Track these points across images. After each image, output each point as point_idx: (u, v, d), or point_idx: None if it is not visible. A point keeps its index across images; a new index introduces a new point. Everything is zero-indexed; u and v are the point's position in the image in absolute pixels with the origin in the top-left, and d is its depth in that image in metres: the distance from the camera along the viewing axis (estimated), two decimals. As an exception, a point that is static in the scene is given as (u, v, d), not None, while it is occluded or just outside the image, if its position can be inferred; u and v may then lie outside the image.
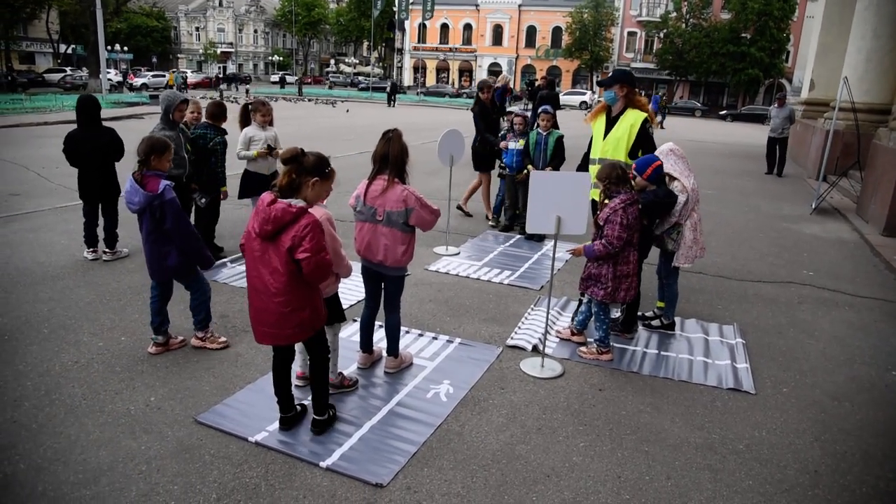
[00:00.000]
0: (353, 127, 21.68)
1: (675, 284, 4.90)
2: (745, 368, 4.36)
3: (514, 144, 7.50)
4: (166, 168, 4.11)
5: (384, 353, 4.16)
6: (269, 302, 3.06)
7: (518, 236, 7.63)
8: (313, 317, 3.17)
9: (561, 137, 7.20)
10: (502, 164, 7.87)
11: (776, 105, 14.83)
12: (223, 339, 4.47)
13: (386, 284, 3.93)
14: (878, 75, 12.48)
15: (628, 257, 4.22)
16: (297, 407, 3.48)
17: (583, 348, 4.56)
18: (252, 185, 6.51)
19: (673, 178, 4.54)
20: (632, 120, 4.75)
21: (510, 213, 7.96)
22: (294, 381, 3.81)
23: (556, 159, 7.15)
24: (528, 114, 8.86)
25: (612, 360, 4.43)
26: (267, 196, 3.00)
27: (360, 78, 63.09)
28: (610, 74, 4.98)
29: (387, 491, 2.94)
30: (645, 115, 4.80)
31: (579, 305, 4.88)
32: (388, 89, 40.86)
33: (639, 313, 4.98)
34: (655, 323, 4.99)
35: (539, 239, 7.43)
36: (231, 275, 5.73)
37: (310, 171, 3.06)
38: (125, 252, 6.24)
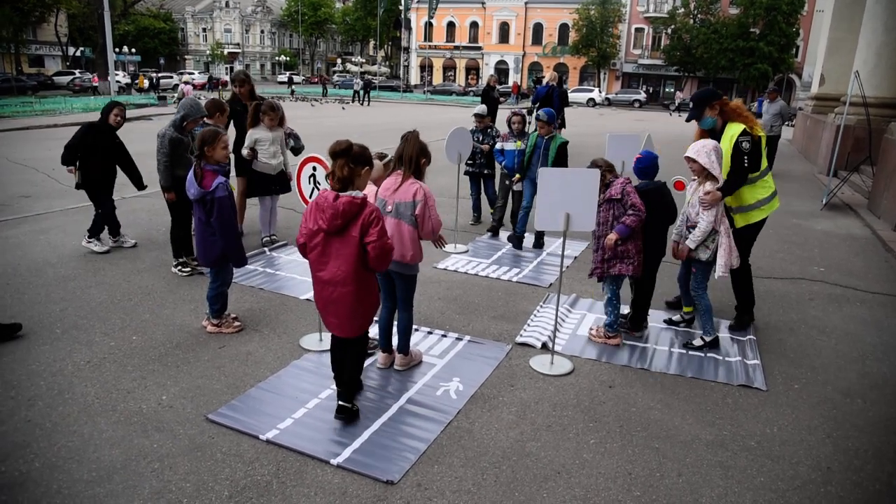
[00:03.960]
0: (358, 126, 21.70)
1: (706, 295, 4.53)
2: (757, 365, 4.33)
3: (512, 145, 6.99)
4: (223, 157, 4.41)
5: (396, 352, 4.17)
6: (340, 293, 3.20)
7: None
8: (376, 303, 3.40)
9: (564, 144, 6.61)
10: (468, 162, 7.51)
11: (767, 99, 13.38)
12: (238, 322, 4.65)
13: (397, 284, 3.94)
14: (889, 69, 12.35)
15: (639, 234, 4.38)
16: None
17: (592, 330, 4.63)
18: (257, 184, 6.54)
19: (712, 176, 4.29)
20: (730, 133, 4.51)
21: (499, 215, 7.50)
22: None
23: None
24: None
25: (619, 345, 4.52)
26: (329, 193, 3.13)
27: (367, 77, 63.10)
28: (690, 105, 4.76)
29: (397, 488, 2.95)
30: (742, 126, 4.47)
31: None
32: (356, 87, 38.64)
33: (668, 317, 4.94)
34: (697, 342, 4.58)
35: (540, 244, 7.06)
36: (238, 274, 5.74)
37: (361, 161, 3.20)
38: (130, 242, 6.57)
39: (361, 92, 37.61)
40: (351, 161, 3.13)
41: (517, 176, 6.91)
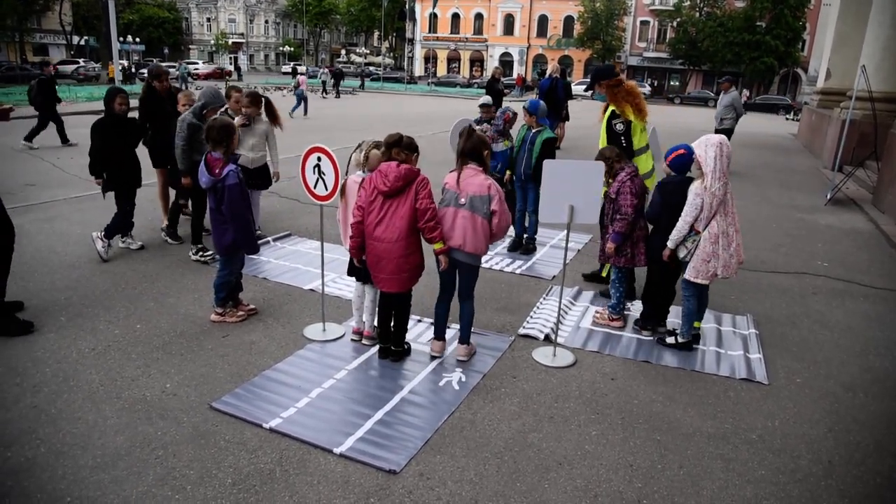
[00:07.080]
0: (362, 117, 21.66)
1: (692, 299, 4.32)
2: (759, 359, 4.34)
3: (501, 146, 6.51)
4: (233, 149, 4.46)
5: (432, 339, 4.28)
6: (392, 249, 3.73)
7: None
8: (420, 265, 3.91)
9: (552, 140, 6.09)
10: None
11: (722, 91, 12.85)
12: (241, 312, 4.66)
13: (460, 273, 4.00)
14: (896, 64, 12.29)
15: (638, 222, 4.48)
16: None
17: (596, 313, 4.77)
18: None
19: (701, 173, 4.10)
20: (606, 115, 5.10)
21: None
22: (352, 337, 4.41)
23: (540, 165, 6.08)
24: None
25: (622, 326, 4.67)
26: (392, 163, 3.75)
27: (371, 68, 62.88)
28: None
29: (400, 477, 2.97)
30: (613, 109, 5.02)
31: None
32: (321, 77, 33.89)
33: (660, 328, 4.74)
34: (670, 340, 4.47)
35: (528, 250, 6.59)
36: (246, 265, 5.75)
37: (411, 148, 3.91)
38: (136, 245, 6.18)
39: (331, 82, 33.68)
40: (405, 148, 3.85)
41: (507, 174, 6.46)
